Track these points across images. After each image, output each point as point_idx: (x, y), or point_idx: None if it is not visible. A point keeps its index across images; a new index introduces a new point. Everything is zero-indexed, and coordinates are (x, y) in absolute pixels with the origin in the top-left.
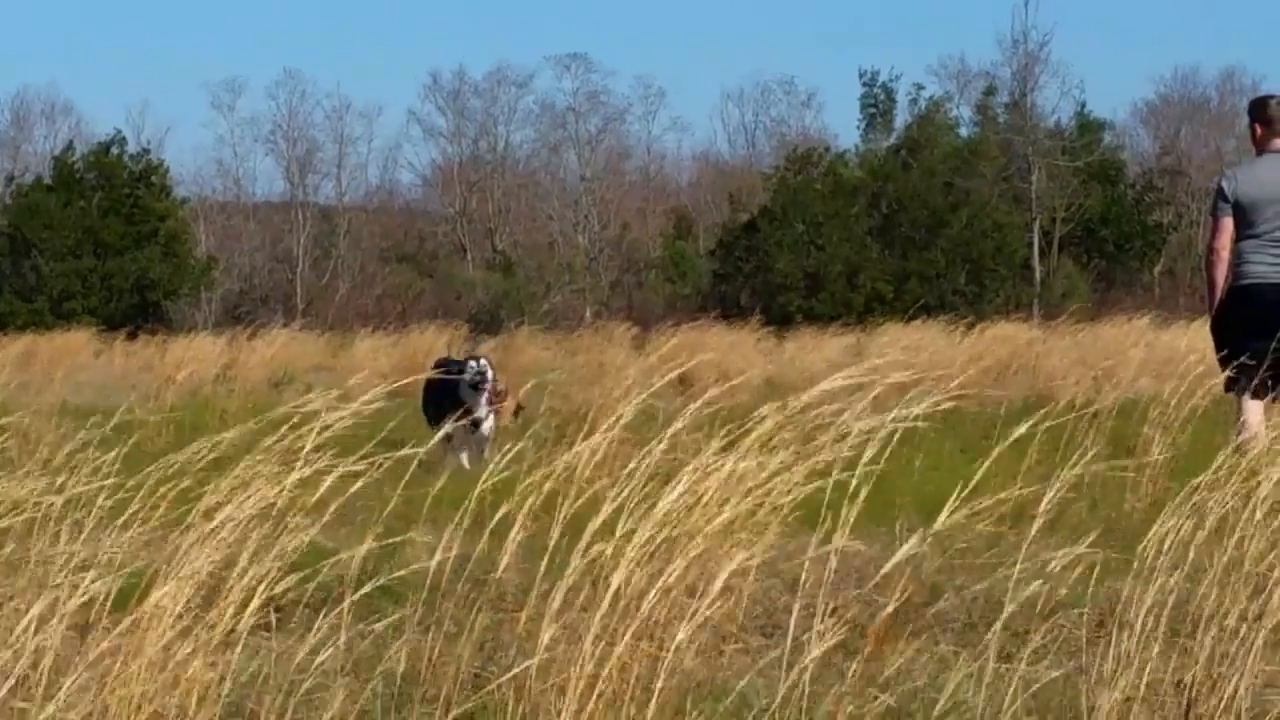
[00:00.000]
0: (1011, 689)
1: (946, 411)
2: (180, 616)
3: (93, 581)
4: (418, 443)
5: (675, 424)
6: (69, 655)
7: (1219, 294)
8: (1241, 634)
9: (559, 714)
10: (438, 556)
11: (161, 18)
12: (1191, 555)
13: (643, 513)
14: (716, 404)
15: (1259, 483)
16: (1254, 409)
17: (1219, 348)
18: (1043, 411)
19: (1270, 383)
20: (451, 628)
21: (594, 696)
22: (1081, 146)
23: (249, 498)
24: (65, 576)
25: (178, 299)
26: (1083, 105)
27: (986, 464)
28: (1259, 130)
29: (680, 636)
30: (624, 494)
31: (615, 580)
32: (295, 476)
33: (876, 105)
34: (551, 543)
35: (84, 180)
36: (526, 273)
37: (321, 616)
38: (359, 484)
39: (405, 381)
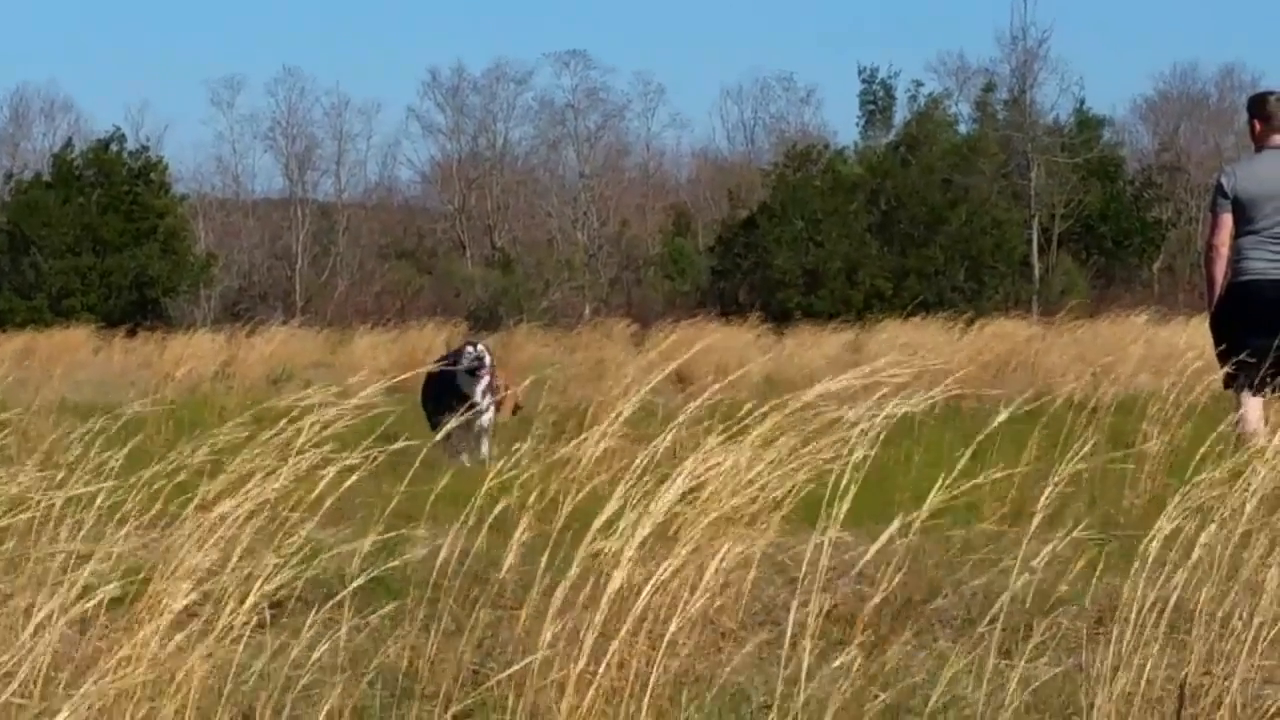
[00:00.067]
0: (1011, 686)
1: (946, 408)
2: (179, 613)
3: (91, 578)
4: (412, 437)
5: (676, 421)
6: (67, 652)
7: (1218, 290)
8: (1237, 631)
9: (558, 710)
10: (441, 556)
11: (161, 15)
12: (1190, 552)
13: (643, 509)
14: (716, 400)
15: (1258, 478)
16: (1253, 405)
17: (1218, 344)
18: (1024, 400)
19: (1269, 379)
20: (450, 625)
21: (592, 692)
22: (1080, 143)
23: (247, 494)
24: (65, 575)
25: (177, 296)
26: (1082, 102)
27: (968, 451)
28: (1258, 126)
29: (674, 628)
30: (625, 491)
31: (616, 578)
32: (291, 472)
33: (875, 102)
34: (550, 540)
35: (83, 177)
36: (525, 269)
37: (315, 612)
38: (354, 478)
39: (404, 377)
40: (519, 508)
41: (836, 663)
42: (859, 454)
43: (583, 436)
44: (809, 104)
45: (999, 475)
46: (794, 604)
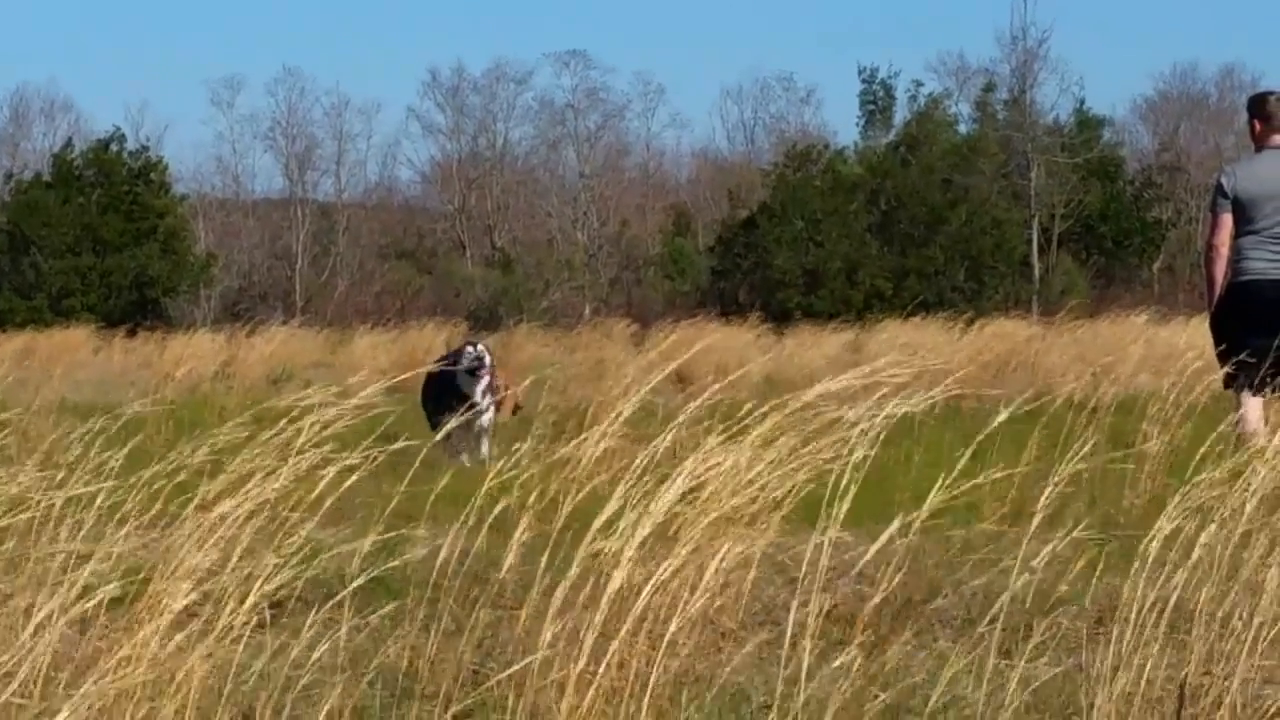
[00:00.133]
0: (1011, 686)
1: (946, 408)
2: (179, 613)
3: (91, 578)
4: (412, 437)
5: (676, 421)
6: (67, 652)
7: (1218, 290)
8: (1237, 631)
9: (558, 710)
10: (441, 556)
11: (161, 15)
12: (1190, 552)
13: (643, 509)
14: (715, 400)
15: (1258, 478)
16: (1253, 405)
17: (1218, 344)
18: (1024, 400)
19: (1269, 379)
20: (450, 625)
21: (592, 692)
22: (1080, 143)
23: (247, 494)
24: (65, 575)
25: (177, 296)
26: (1082, 102)
27: (968, 452)
28: (1258, 126)
29: (674, 628)
30: (625, 491)
31: (616, 578)
32: (291, 472)
33: (875, 102)
34: (550, 540)
35: (83, 177)
36: (525, 269)
37: (315, 612)
38: (354, 478)
39: (404, 376)
40: (519, 508)
41: (836, 663)
42: (859, 454)
43: (583, 436)
44: (809, 104)
45: (999, 475)
46: (794, 604)
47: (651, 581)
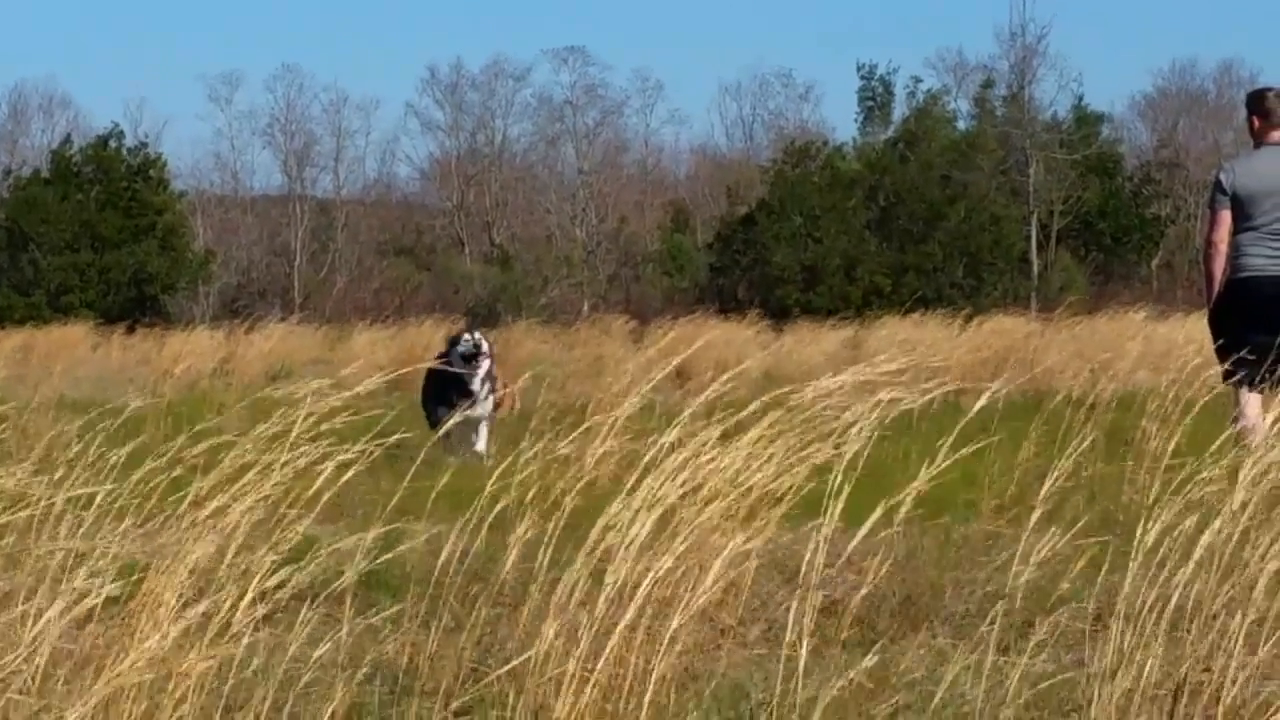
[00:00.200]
0: (1010, 682)
1: (944, 404)
2: (177, 610)
3: (90, 575)
4: (409, 432)
5: (680, 418)
6: (66, 649)
7: (1217, 287)
8: (1236, 627)
9: (557, 707)
10: (442, 554)
11: (159, 12)
12: (1189, 549)
13: (642, 506)
14: (715, 396)
15: (1253, 472)
16: (1252, 401)
17: (1217, 340)
18: (1004, 384)
19: (1268, 375)
20: (450, 622)
21: (591, 688)
22: (1079, 139)
23: (244, 490)
24: (65, 573)
25: (175, 293)
26: (1080, 98)
27: (949, 439)
28: (1257, 123)
29: (674, 624)
30: (625, 488)
31: (615, 575)
32: (289, 468)
33: (874, 98)
34: (549, 537)
35: (82, 174)
36: (524, 266)
37: (314, 609)
38: (350, 473)
39: (404, 371)
40: (518, 505)
41: (835, 660)
42: (856, 450)
43: (581, 428)
44: (808, 100)
45: (998, 471)
46: (792, 601)
47: (650, 577)
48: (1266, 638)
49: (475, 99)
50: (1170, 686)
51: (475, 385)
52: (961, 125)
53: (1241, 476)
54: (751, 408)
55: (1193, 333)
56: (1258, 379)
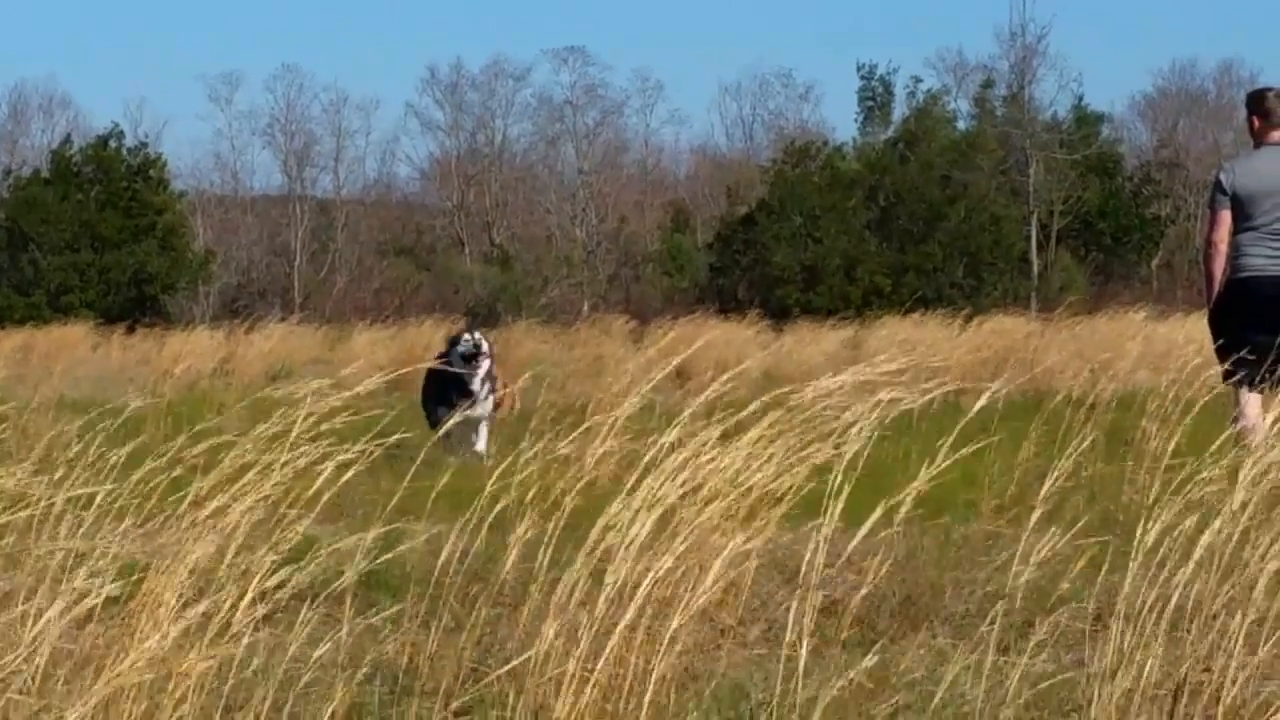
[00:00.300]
0: (1010, 683)
1: (944, 404)
2: (177, 610)
3: (90, 575)
4: (409, 432)
5: (680, 417)
6: (66, 648)
7: (1217, 287)
8: (1236, 627)
9: (557, 707)
10: (442, 554)
11: (159, 11)
12: (1189, 549)
13: (643, 506)
14: (715, 396)
15: (1251, 471)
16: (1252, 401)
17: (1217, 340)
18: (1004, 384)
19: (1268, 375)
20: (450, 622)
21: (591, 688)
22: (1079, 139)
23: (244, 490)
24: (64, 573)
25: (175, 293)
26: (1080, 98)
27: (949, 440)
28: (1257, 123)
29: (673, 625)
30: (625, 488)
31: (615, 575)
32: (289, 468)
33: (874, 98)
34: (548, 536)
35: (82, 174)
36: (524, 266)
37: (314, 609)
38: (351, 473)
39: (404, 371)
40: (518, 505)
41: (835, 660)
42: (856, 450)
43: (581, 428)
44: (808, 100)
45: (998, 472)
46: (792, 601)
47: (650, 577)
48: (1266, 638)
49: (475, 99)
50: (1170, 686)
51: (475, 385)
52: (961, 125)
53: (1241, 476)
54: (751, 408)
55: (1193, 333)
56: (1258, 379)
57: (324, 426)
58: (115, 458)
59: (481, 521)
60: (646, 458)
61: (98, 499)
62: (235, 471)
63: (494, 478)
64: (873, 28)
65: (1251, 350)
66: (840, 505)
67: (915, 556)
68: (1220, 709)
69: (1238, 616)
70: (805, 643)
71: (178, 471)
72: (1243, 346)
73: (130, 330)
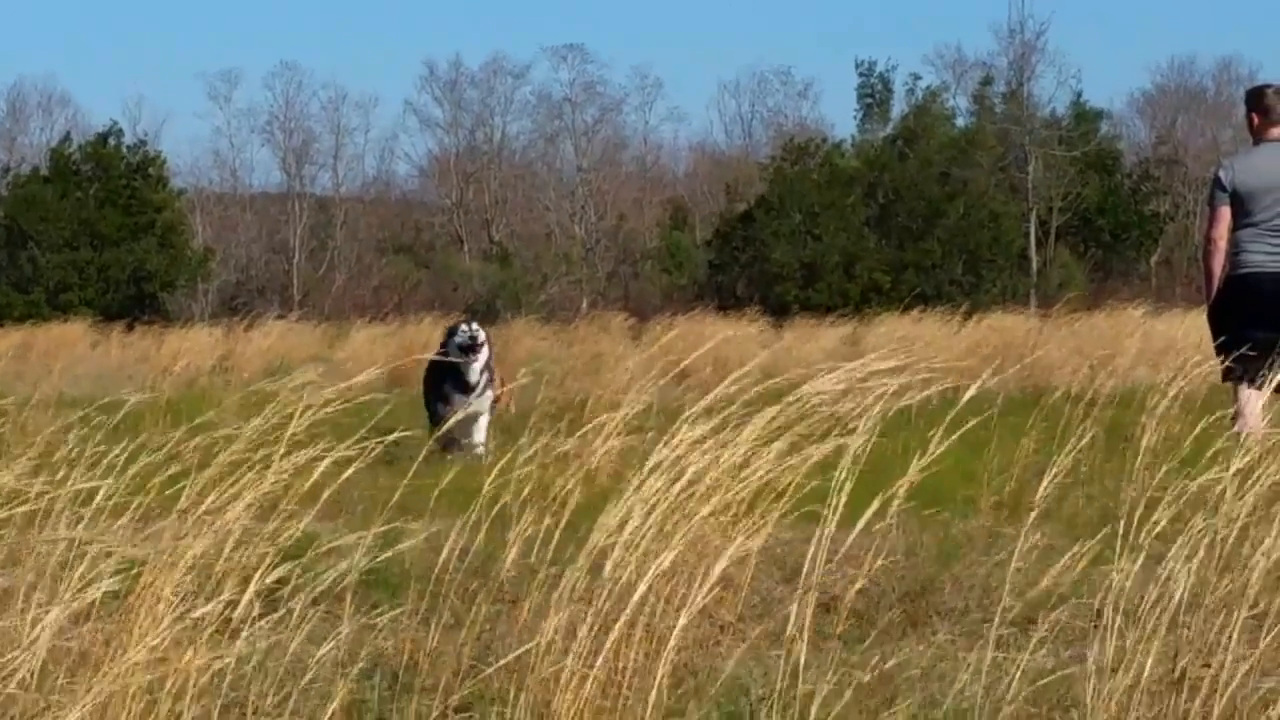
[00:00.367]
0: (1010, 679)
1: (943, 400)
2: (176, 606)
3: (88, 572)
4: (408, 429)
5: (683, 416)
6: (65, 645)
7: (1217, 284)
8: (1235, 622)
9: (557, 703)
10: (443, 553)
11: (158, 9)
12: (1189, 544)
13: (642, 503)
14: (714, 395)
15: (1256, 470)
16: (1252, 398)
17: (1217, 337)
18: (991, 376)
19: (1268, 372)
20: (450, 619)
21: (591, 685)
22: (1078, 136)
23: (244, 487)
24: (64, 570)
25: (174, 290)
26: (1079, 95)
27: (939, 430)
28: (1256, 119)
29: (674, 622)
30: (625, 485)
31: (615, 572)
32: (289, 464)
33: (873, 95)
34: (543, 532)
35: (81, 172)
36: (523, 263)
37: (314, 605)
38: (350, 470)
39: (399, 363)
40: (516, 497)
41: (835, 656)
42: (857, 447)
43: (583, 430)
44: (806, 97)
45: (998, 468)
46: (793, 598)
47: (650, 574)
48: (1266, 632)
49: (474, 96)
50: (1170, 682)
51: (473, 376)
52: (960, 122)
53: (1234, 468)
54: (745, 398)
55: (1191, 329)
56: (1258, 376)
57: (319, 415)
58: (114, 454)
59: (481, 519)
60: (648, 456)
61: (97, 499)
62: (231, 467)
63: (493, 475)
64: (872, 25)
65: (1252, 347)
66: (841, 500)
67: (915, 553)
68: (1219, 704)
69: (1237, 612)
70: (804, 639)
71: (176, 468)
72: (1243, 343)
73: (129, 328)
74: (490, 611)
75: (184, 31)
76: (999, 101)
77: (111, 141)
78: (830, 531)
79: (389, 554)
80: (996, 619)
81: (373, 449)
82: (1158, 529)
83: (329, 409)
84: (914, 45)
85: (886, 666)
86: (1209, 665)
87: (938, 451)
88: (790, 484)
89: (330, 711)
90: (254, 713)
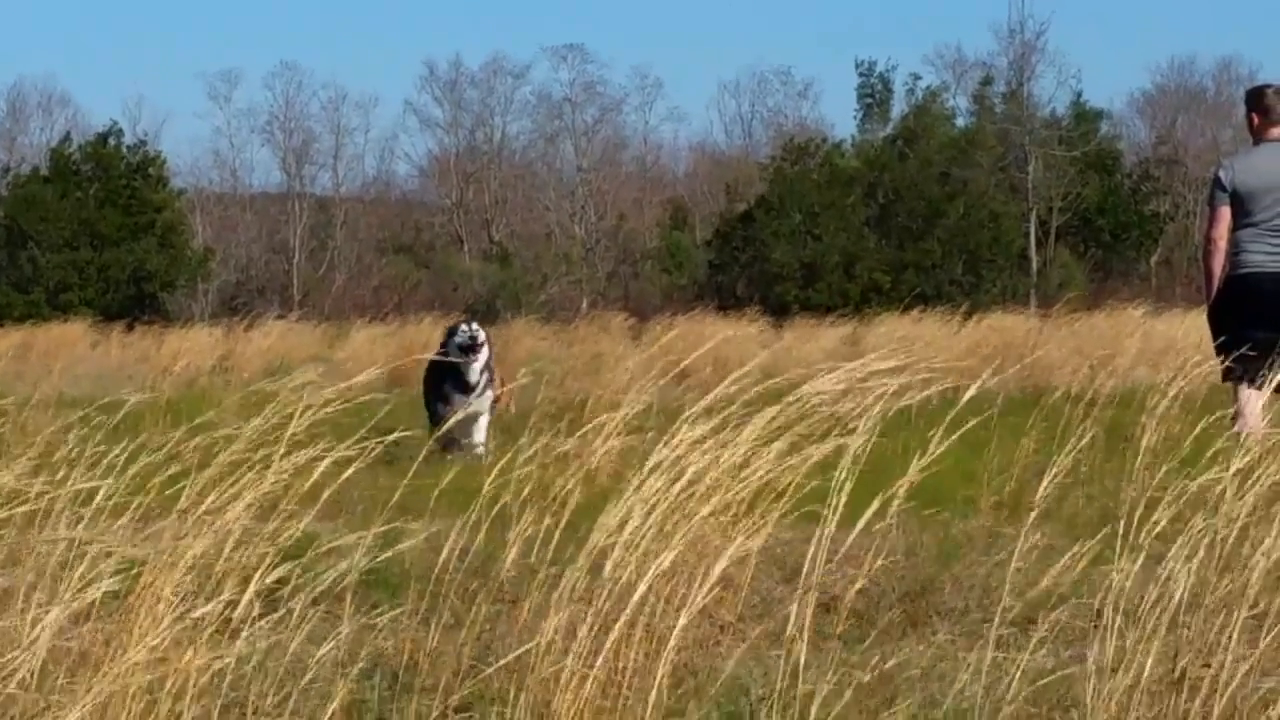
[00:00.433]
0: (1010, 679)
1: (943, 400)
2: (176, 606)
3: (88, 572)
4: (408, 429)
5: (683, 416)
6: (65, 645)
7: (1217, 284)
8: (1236, 622)
9: (557, 703)
10: (443, 553)
11: (158, 9)
12: (1189, 544)
13: (643, 503)
14: (714, 395)
15: (1256, 470)
16: (1252, 398)
17: (1217, 337)
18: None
19: (1268, 372)
20: (450, 619)
21: (591, 684)
22: (1078, 136)
23: (243, 487)
24: (64, 570)
25: (174, 290)
26: (1079, 95)
27: (939, 430)
28: (1256, 119)
29: (674, 622)
30: (625, 485)
31: (615, 572)
32: (289, 464)
33: (873, 95)
34: (543, 532)
35: (81, 172)
36: (523, 263)
37: (313, 605)
38: (350, 470)
39: (399, 363)
40: (518, 501)
41: (835, 656)
42: (857, 447)
43: (583, 431)
44: (806, 97)
45: (998, 468)
46: (793, 598)
47: (650, 574)
48: (1266, 632)
49: (474, 96)
50: (1170, 682)
51: (473, 376)
52: (960, 122)
53: (1234, 468)
54: (745, 398)
55: (1191, 330)
56: (1258, 376)
57: (319, 415)
58: (114, 454)
59: (481, 519)
60: (647, 456)
61: (97, 499)
62: (231, 467)
63: (493, 475)
64: (872, 25)
65: (1252, 347)
66: (841, 500)
67: (915, 553)
68: (1219, 704)
69: (1237, 612)
70: (804, 639)
71: (176, 468)
72: (1243, 343)
73: (129, 328)
74: (490, 611)
75: (184, 31)
76: (999, 101)
77: (111, 141)
78: (830, 531)
79: (389, 554)
80: (996, 619)
81: (373, 449)
82: (1158, 529)
83: (329, 409)
84: (914, 45)
85: (886, 666)
86: (1209, 665)
87: (938, 451)
88: (790, 484)
89: (330, 711)
90: (254, 713)
